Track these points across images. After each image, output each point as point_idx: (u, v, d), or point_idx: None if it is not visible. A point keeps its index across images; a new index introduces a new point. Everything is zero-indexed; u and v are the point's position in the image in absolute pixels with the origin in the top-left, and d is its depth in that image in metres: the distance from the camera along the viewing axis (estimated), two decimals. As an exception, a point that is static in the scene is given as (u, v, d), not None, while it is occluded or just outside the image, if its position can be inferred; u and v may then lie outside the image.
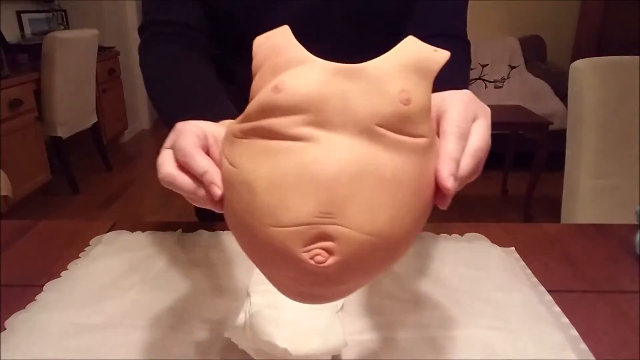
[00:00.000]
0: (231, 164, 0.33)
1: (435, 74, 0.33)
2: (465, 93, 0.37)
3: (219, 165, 0.34)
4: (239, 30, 0.65)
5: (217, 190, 0.33)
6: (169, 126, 0.40)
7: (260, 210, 0.30)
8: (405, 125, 0.30)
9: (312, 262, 0.29)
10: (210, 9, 0.65)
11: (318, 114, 0.30)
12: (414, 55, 0.32)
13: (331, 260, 0.29)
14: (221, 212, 0.35)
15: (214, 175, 0.34)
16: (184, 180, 0.35)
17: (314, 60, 0.32)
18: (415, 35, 0.34)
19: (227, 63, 0.71)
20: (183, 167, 0.35)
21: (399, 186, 0.30)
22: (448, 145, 0.33)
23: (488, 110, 0.37)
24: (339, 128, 0.30)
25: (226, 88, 0.60)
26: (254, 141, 0.32)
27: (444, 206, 0.33)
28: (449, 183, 0.32)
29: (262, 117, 0.31)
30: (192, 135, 0.36)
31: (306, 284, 0.32)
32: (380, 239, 0.30)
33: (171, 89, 0.60)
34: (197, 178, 0.35)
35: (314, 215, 0.29)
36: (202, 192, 0.35)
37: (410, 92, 0.31)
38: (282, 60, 0.32)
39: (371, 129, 0.30)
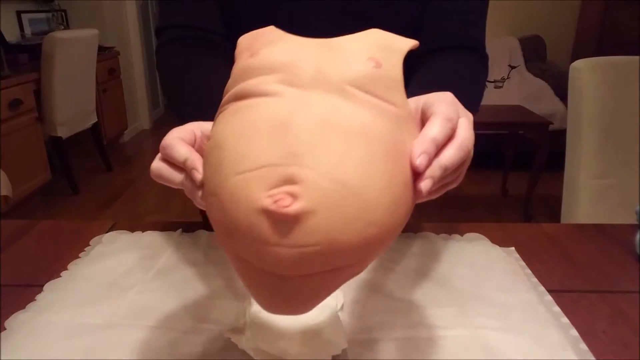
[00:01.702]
0: (208, 140, 0.33)
1: (404, 52, 0.33)
2: (448, 94, 0.36)
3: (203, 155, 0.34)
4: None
5: (198, 175, 0.33)
6: None
7: (227, 162, 0.29)
8: (376, 87, 0.31)
9: (274, 207, 0.27)
10: (225, 13, 0.64)
11: (290, 74, 0.30)
12: (381, 37, 0.34)
13: (296, 205, 0.26)
14: (203, 208, 0.34)
15: (195, 160, 0.33)
16: (169, 171, 0.35)
17: (290, 36, 0.33)
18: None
19: None
20: (167, 159, 0.35)
21: (370, 141, 0.29)
22: (430, 126, 0.32)
23: (471, 116, 0.36)
24: (310, 87, 0.30)
25: None
26: (227, 107, 0.32)
27: (421, 194, 0.31)
28: (418, 161, 0.30)
29: (237, 84, 0.32)
30: (180, 130, 0.36)
31: (268, 257, 0.28)
32: (349, 190, 0.27)
33: (189, 92, 0.59)
34: (181, 168, 0.34)
35: (278, 156, 0.27)
36: (189, 182, 0.34)
37: (379, 59, 0.32)
38: (260, 42, 0.33)
39: (343, 88, 0.30)
